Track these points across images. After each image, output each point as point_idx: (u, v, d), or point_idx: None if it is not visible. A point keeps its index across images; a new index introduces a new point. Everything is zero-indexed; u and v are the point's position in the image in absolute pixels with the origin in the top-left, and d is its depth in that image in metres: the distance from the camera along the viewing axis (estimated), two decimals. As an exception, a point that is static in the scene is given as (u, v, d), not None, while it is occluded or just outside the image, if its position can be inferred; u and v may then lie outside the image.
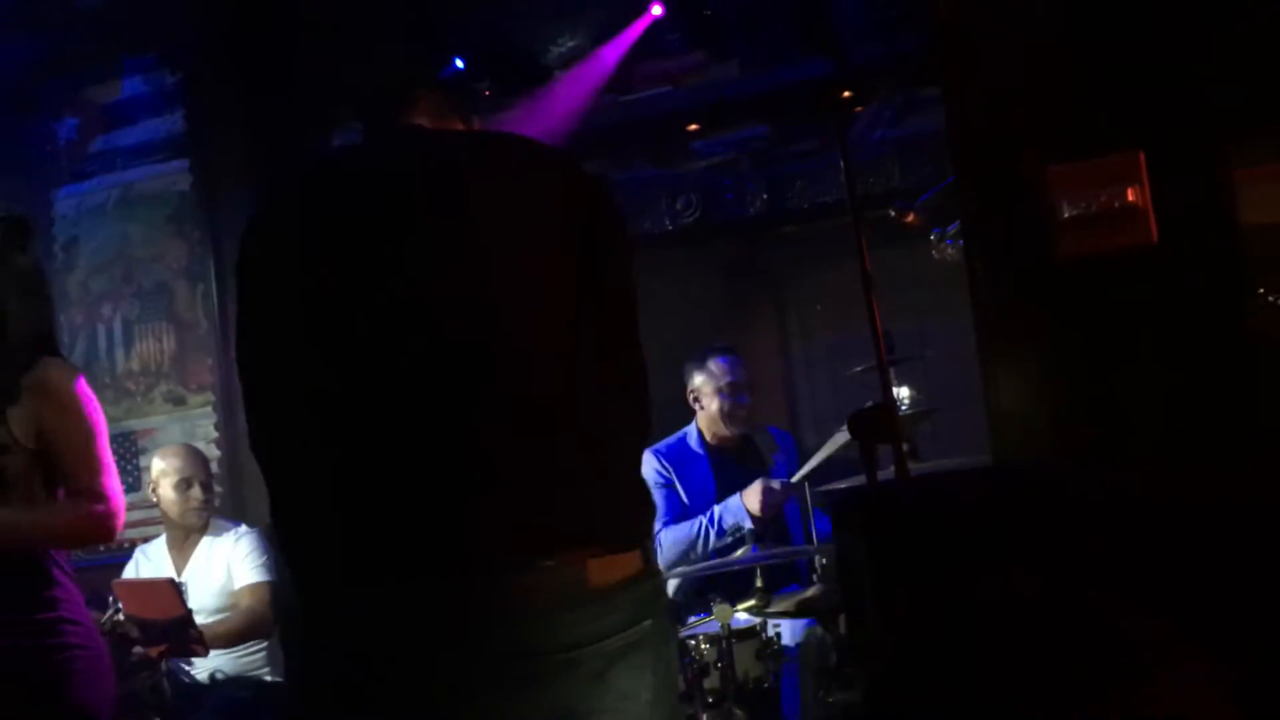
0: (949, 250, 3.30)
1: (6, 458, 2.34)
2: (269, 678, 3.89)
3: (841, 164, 2.31)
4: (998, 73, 2.13)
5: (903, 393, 3.38)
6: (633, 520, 1.59)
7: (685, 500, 3.96)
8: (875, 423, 2.18)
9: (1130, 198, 2.04)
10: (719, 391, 4.06)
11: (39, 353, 2.44)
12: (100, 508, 2.39)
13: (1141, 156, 2.05)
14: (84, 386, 2.49)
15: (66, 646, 2.36)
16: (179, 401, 4.80)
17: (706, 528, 3.80)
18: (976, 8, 2.13)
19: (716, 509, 3.82)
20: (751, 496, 3.77)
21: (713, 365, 4.11)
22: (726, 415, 4.05)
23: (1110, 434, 2.04)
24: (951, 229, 3.16)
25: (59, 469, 2.40)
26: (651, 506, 1.64)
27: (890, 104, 4.52)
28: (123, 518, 2.47)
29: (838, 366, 4.50)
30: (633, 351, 1.65)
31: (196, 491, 4.00)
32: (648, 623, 1.52)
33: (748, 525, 3.59)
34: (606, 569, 1.49)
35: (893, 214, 3.18)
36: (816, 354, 4.77)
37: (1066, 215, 2.05)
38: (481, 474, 1.46)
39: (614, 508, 1.55)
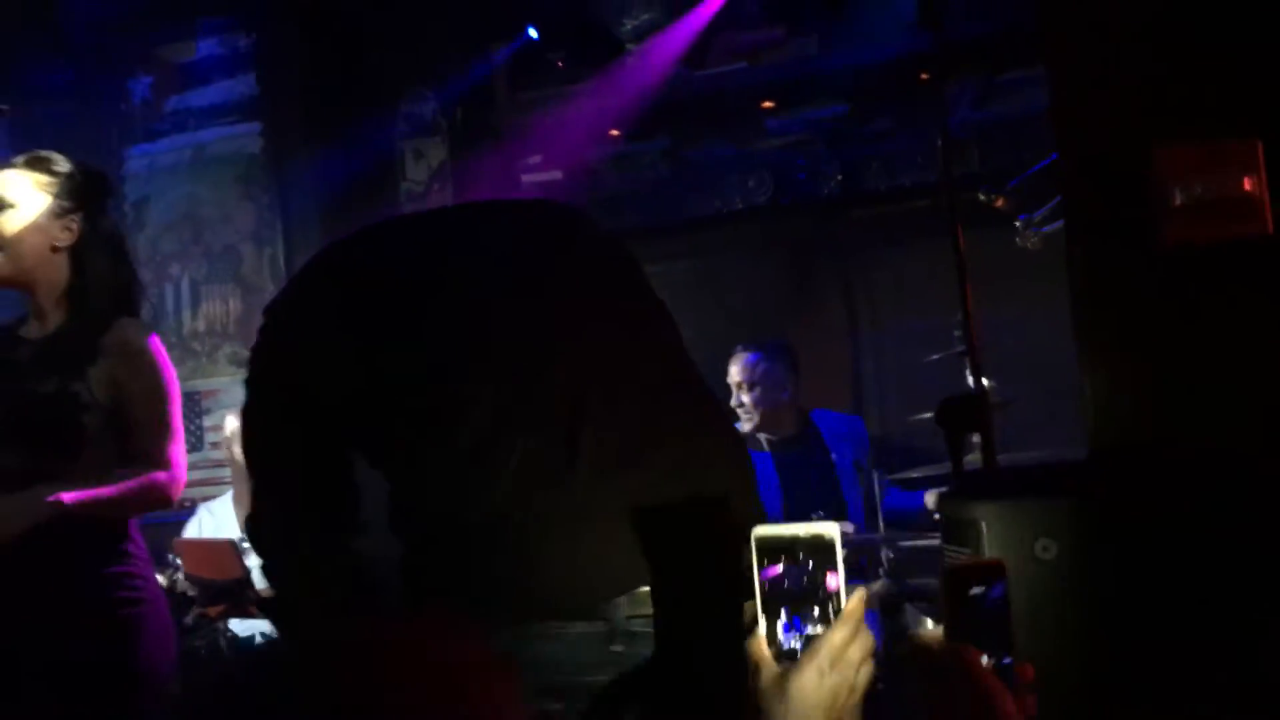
0: (1034, 238, 3.20)
1: (87, 415, 2.35)
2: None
3: (940, 144, 2.23)
4: (1107, 48, 2.04)
5: (984, 383, 3.29)
6: None
7: None
8: (964, 412, 2.10)
9: (1247, 187, 1.95)
10: (736, 388, 3.96)
11: (117, 313, 2.43)
12: (164, 476, 2.41)
13: (1259, 144, 1.95)
14: (161, 350, 2.48)
15: (133, 601, 2.37)
16: (243, 364, 4.79)
17: None
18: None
19: None
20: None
21: (732, 365, 4.00)
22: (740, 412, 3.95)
23: (1214, 431, 1.96)
24: (1039, 215, 3.06)
25: (129, 429, 2.40)
26: None
27: (971, 86, 4.40)
28: (183, 486, 2.48)
29: (907, 353, 4.40)
30: None
31: None
32: None
33: None
34: None
35: (982, 198, 3.08)
36: (885, 339, 4.68)
37: (1177, 202, 1.96)
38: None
39: None
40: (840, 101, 4.56)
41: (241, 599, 3.37)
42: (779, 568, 1.11)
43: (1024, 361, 4.04)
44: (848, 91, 4.55)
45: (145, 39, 5.16)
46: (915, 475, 3.43)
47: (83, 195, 2.46)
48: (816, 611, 1.10)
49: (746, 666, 1.10)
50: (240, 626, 3.70)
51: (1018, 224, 3.07)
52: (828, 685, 1.05)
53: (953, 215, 2.17)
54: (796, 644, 1.09)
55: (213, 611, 3.50)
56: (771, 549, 1.11)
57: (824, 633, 1.08)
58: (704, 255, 4.65)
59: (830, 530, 1.10)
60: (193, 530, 4.05)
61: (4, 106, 5.93)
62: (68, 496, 2.29)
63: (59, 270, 2.42)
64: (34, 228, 2.40)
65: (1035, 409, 3.84)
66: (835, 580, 1.09)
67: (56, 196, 2.43)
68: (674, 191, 4.74)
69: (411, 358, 1.37)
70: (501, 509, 1.31)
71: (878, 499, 3.56)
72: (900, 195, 4.51)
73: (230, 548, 3.45)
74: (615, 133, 4.83)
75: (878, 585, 3.20)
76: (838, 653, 1.06)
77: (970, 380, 2.75)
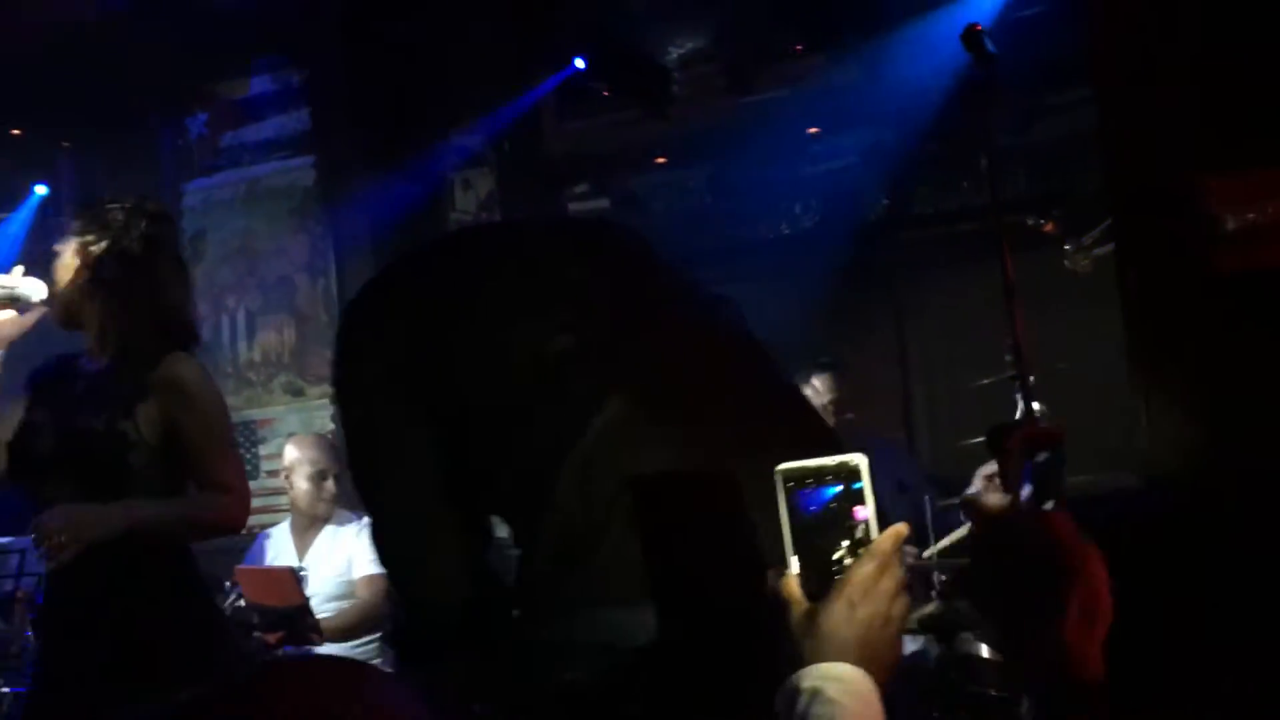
0: (1082, 261, 3.20)
1: (133, 454, 2.36)
2: (382, 669, 3.93)
3: (986, 168, 2.25)
4: (1158, 74, 2.05)
5: (1034, 407, 3.29)
6: None
7: None
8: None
9: (1299, 211, 1.95)
10: (823, 410, 3.91)
11: (168, 346, 2.42)
12: (231, 500, 2.42)
13: (1312, 168, 1.96)
14: (211, 382, 2.49)
15: (191, 626, 2.39)
16: (298, 392, 4.90)
17: None
18: (1138, 5, 2.05)
19: None
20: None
21: (816, 382, 3.94)
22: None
23: (1266, 453, 1.95)
24: (1088, 239, 3.06)
25: (190, 463, 2.40)
26: None
27: (1017, 109, 4.40)
28: (249, 509, 2.50)
29: (957, 376, 4.39)
30: None
31: (330, 483, 4.04)
32: None
33: None
34: None
35: (1030, 222, 3.09)
36: (935, 363, 4.67)
37: (1229, 228, 1.96)
38: None
39: None
40: (886, 126, 4.57)
41: (301, 626, 3.42)
42: (806, 500, 1.07)
43: (1073, 384, 4.02)
44: (893, 116, 4.56)
45: (201, 77, 5.28)
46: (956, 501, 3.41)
47: (104, 226, 2.44)
48: (846, 544, 1.06)
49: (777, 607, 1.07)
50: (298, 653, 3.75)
51: (1067, 248, 3.07)
52: (859, 618, 1.02)
53: (1001, 240, 2.18)
54: (827, 579, 1.05)
55: (271, 638, 3.55)
56: (798, 480, 1.07)
57: (853, 565, 1.04)
58: (751, 281, 4.65)
59: (857, 459, 1.07)
60: (252, 558, 4.11)
61: (65, 143, 6.10)
62: (139, 512, 2.31)
63: (93, 303, 2.41)
64: (63, 266, 2.43)
65: (1084, 432, 3.81)
66: (864, 511, 1.06)
67: (81, 233, 2.44)
68: (720, 217, 4.77)
69: (523, 358, 1.41)
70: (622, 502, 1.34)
71: (929, 521, 3.55)
72: (947, 218, 4.51)
73: (290, 575, 3.50)
74: (661, 160, 4.88)
75: (930, 607, 3.18)
76: (868, 584, 1.03)
77: (1020, 404, 2.75)
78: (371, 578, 3.90)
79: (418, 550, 1.49)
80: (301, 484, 4.06)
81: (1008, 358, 3.31)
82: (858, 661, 1.01)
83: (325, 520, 4.09)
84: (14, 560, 3.64)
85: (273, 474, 4.66)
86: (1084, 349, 3.92)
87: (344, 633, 3.78)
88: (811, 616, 1.04)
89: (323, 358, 4.90)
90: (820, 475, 1.07)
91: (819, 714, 0.98)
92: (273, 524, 4.30)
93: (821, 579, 1.05)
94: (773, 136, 4.65)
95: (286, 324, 4.99)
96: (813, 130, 4.69)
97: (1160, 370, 2.00)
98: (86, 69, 5.51)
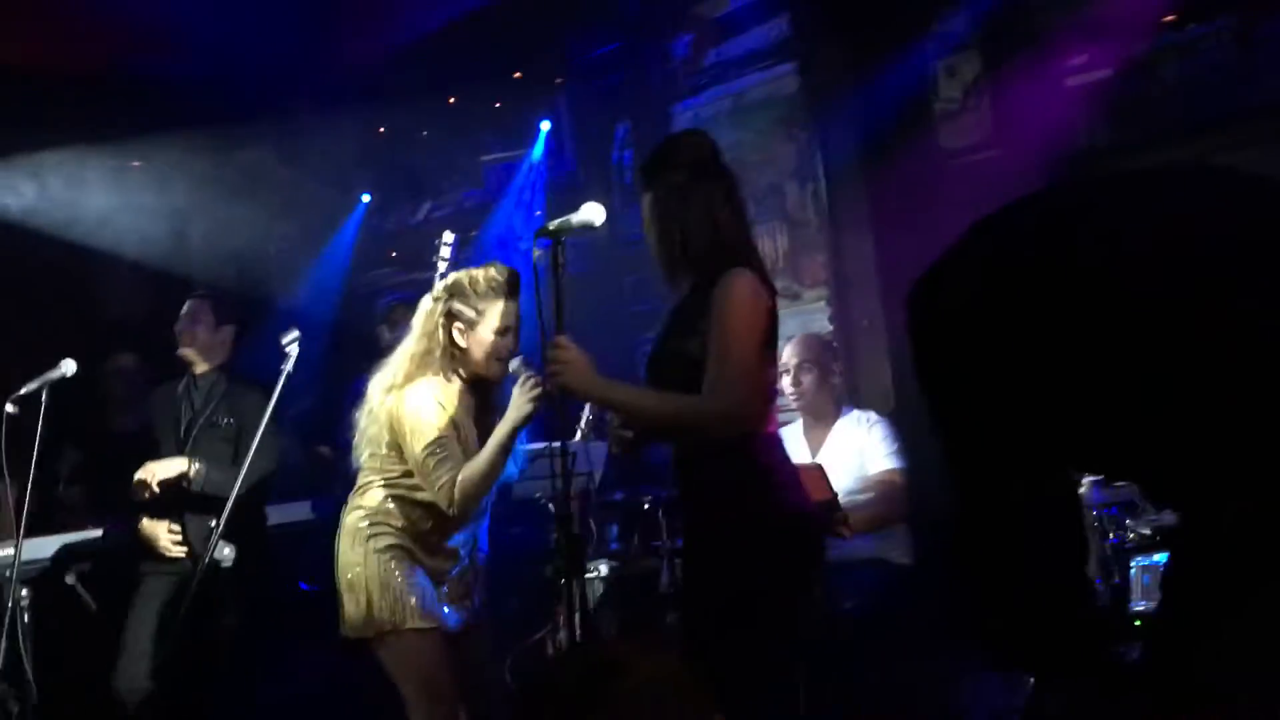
0: None
1: (697, 372, 2.46)
2: (899, 560, 3.99)
3: None
4: None
5: None
6: None
7: None
8: None
9: None
10: None
11: (730, 264, 2.49)
12: (702, 401, 2.44)
13: None
14: (753, 294, 2.48)
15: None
16: (794, 297, 5.03)
17: None
18: None
19: None
20: None
21: None
22: None
23: None
24: None
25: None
26: None
27: None
28: (737, 419, 2.46)
29: None
30: None
31: (836, 379, 4.16)
32: None
33: None
34: None
35: None
36: None
37: None
38: None
39: None
40: None
41: (831, 520, 3.55)
42: None
43: None
44: None
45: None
46: None
47: (659, 163, 2.63)
48: None
49: None
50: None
51: None
52: None
53: None
54: None
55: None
56: None
57: None
58: (1288, 143, 4.12)
59: None
60: (768, 456, 4.30)
61: (559, 80, 6.60)
62: (623, 395, 2.54)
63: (662, 235, 2.60)
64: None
65: None
66: None
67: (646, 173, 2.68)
68: (1249, 76, 4.24)
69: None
70: None
71: None
72: None
73: (820, 470, 3.62)
74: (1171, 18, 4.42)
75: None
76: None
77: None
78: (888, 473, 3.95)
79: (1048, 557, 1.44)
80: (806, 381, 4.19)
81: None
82: None
83: (833, 417, 4.19)
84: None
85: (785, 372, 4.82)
86: None
87: (865, 525, 3.86)
88: None
89: (816, 261, 4.99)
90: None
91: None
92: (784, 423, 4.46)
93: None
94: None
95: (779, 230, 5.12)
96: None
97: None
98: (576, 9, 5.91)
